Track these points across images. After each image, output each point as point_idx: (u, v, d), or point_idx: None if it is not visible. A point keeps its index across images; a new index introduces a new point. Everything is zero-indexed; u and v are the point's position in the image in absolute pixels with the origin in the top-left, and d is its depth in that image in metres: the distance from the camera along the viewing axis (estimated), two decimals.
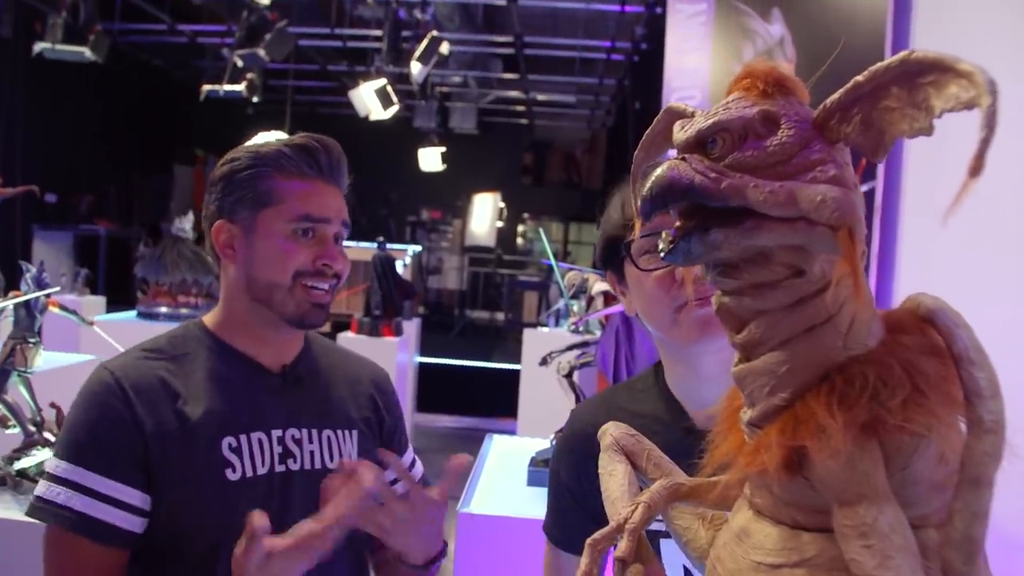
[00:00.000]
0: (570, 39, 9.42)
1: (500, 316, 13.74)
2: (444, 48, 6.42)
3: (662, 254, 0.58)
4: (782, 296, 0.56)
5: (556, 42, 9.62)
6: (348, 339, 5.73)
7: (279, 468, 1.35)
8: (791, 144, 0.55)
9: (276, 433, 1.36)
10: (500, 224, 15.36)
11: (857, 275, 0.53)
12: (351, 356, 1.61)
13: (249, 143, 1.41)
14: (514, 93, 12.54)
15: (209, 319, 1.44)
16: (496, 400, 7.66)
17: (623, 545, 0.67)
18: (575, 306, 4.74)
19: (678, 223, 0.58)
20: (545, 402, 4.53)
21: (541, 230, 2.41)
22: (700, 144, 0.58)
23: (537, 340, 5.46)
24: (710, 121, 0.57)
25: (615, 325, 2.31)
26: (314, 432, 1.41)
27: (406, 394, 6.30)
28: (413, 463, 1.60)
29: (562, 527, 1.32)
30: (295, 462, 1.37)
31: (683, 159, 0.57)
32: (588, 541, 0.68)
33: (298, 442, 1.38)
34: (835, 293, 0.56)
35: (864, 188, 2.60)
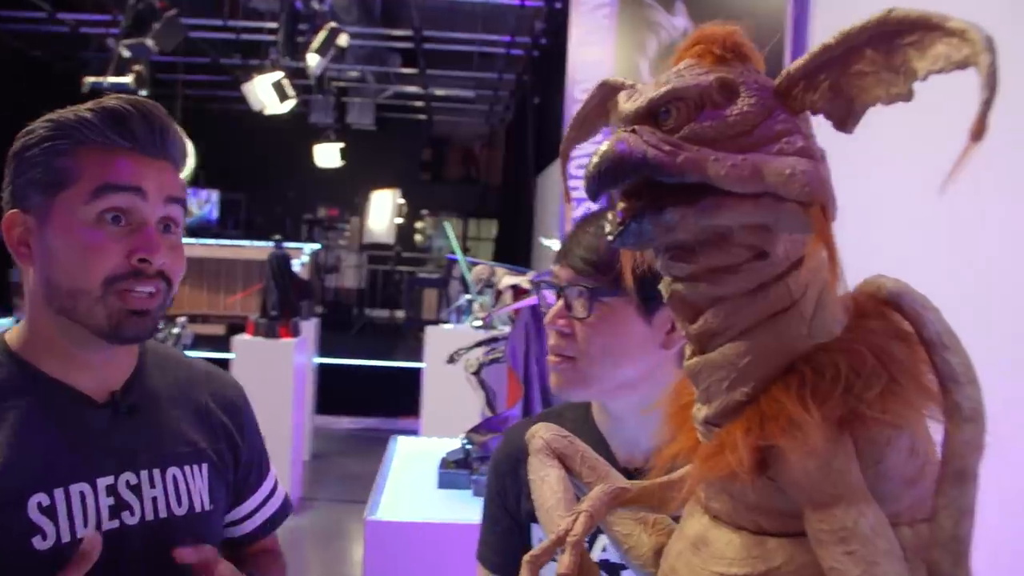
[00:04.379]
0: (469, 33, 9.34)
1: (400, 314, 13.60)
2: (343, 40, 6.26)
3: (610, 237, 0.52)
4: (742, 281, 0.51)
5: (455, 36, 9.53)
6: (244, 341, 5.53)
7: (110, 525, 1.07)
8: (753, 114, 0.50)
9: (105, 482, 1.08)
10: (399, 221, 15.19)
11: (833, 255, 0.48)
12: (197, 369, 1.31)
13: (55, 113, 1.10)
14: (412, 88, 12.39)
15: (12, 336, 1.12)
16: (398, 400, 7.55)
17: (566, 560, 0.61)
18: (478, 302, 4.68)
19: (622, 204, 0.52)
20: (449, 400, 4.46)
21: (447, 223, 2.33)
22: (651, 115, 0.52)
23: (440, 337, 5.37)
24: (663, 89, 0.51)
25: (524, 320, 2.26)
26: (156, 473, 1.13)
27: (304, 396, 6.13)
28: (272, 492, 1.36)
29: (501, 552, 1.28)
30: (132, 515, 1.09)
31: (632, 131, 0.51)
32: (526, 558, 0.62)
33: (135, 489, 1.11)
34: (799, 277, 0.51)
35: None
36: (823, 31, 2.39)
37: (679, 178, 0.49)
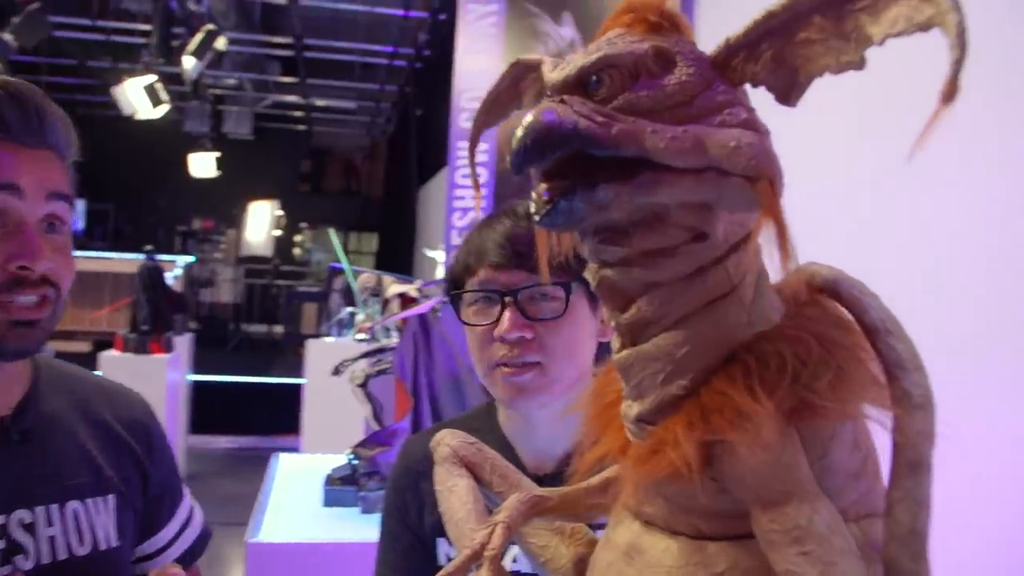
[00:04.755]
0: (352, 43, 9.20)
1: (278, 329, 13.23)
2: (221, 43, 6.04)
3: (537, 217, 0.47)
4: (679, 265, 0.47)
5: (337, 45, 9.36)
6: (112, 358, 5.24)
7: (1, 571, 0.95)
8: (692, 84, 0.46)
9: None
10: (278, 233, 14.81)
11: (784, 232, 0.44)
12: (98, 386, 1.17)
13: None
14: (292, 98, 12.12)
15: None
16: (277, 417, 7.31)
17: (484, 575, 0.56)
18: (362, 314, 4.57)
19: (544, 184, 0.47)
20: (332, 416, 4.33)
21: (331, 231, 2.24)
22: (581, 84, 0.48)
23: (322, 351, 5.23)
24: (594, 56, 0.47)
25: (412, 330, 2.19)
26: (53, 509, 1.00)
27: (178, 415, 5.85)
28: (189, 519, 1.24)
29: (403, 571, 1.21)
30: (26, 558, 0.96)
31: (561, 101, 0.46)
32: None
33: (29, 528, 0.97)
34: (739, 261, 0.47)
35: None
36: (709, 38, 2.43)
37: (613, 151, 0.44)
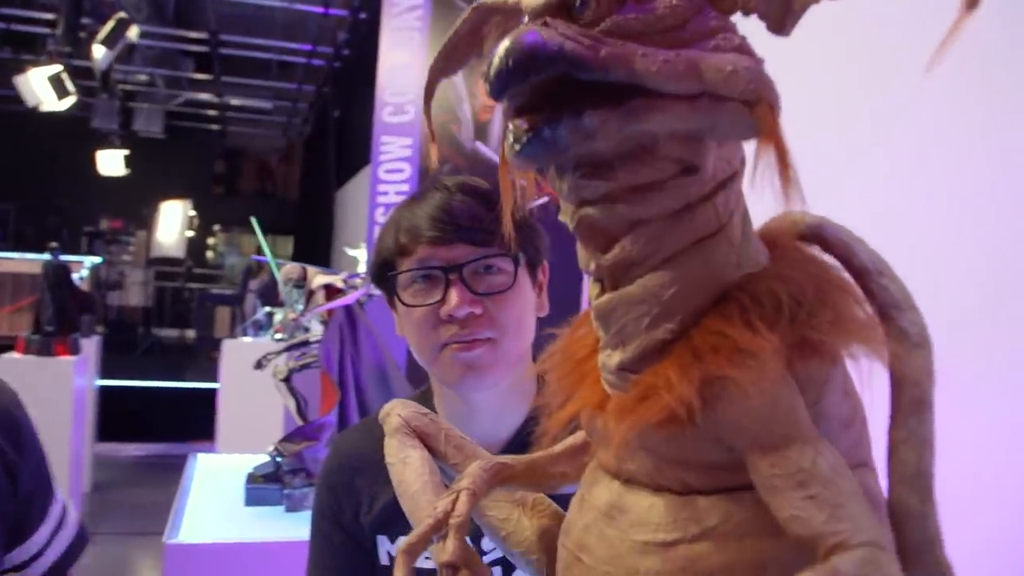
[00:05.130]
0: (268, 40, 9.01)
1: (191, 333, 12.88)
2: (133, 33, 5.83)
3: (516, 147, 0.44)
4: (668, 200, 0.44)
5: (253, 43, 9.16)
6: (13, 361, 4.99)
7: None
8: (683, 8, 0.43)
9: None
10: (191, 234, 14.41)
11: (785, 157, 0.42)
12: None
13: None
14: (206, 96, 11.81)
15: None
16: (190, 422, 7.11)
17: (450, 545, 0.52)
18: (279, 314, 4.46)
19: (517, 120, 0.44)
20: (249, 419, 4.22)
21: (254, 219, 2.17)
22: (564, 8, 0.44)
23: (239, 351, 5.09)
24: None
25: (338, 321, 2.14)
26: None
27: (85, 421, 5.61)
28: (62, 520, 1.14)
29: (333, 571, 1.16)
30: None
31: (544, 24, 0.43)
32: (401, 548, 0.53)
33: None
34: (726, 199, 0.45)
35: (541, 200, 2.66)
36: None
37: (601, 74, 0.41)
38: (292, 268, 2.20)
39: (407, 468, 0.65)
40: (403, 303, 1.09)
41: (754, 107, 0.41)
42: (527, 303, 1.09)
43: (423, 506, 0.59)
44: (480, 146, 3.43)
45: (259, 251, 2.06)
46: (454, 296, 1.03)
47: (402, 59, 3.70)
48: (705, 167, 0.44)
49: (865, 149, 1.42)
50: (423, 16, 3.60)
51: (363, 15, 7.63)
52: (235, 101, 12.17)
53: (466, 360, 1.05)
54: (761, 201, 0.44)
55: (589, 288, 0.50)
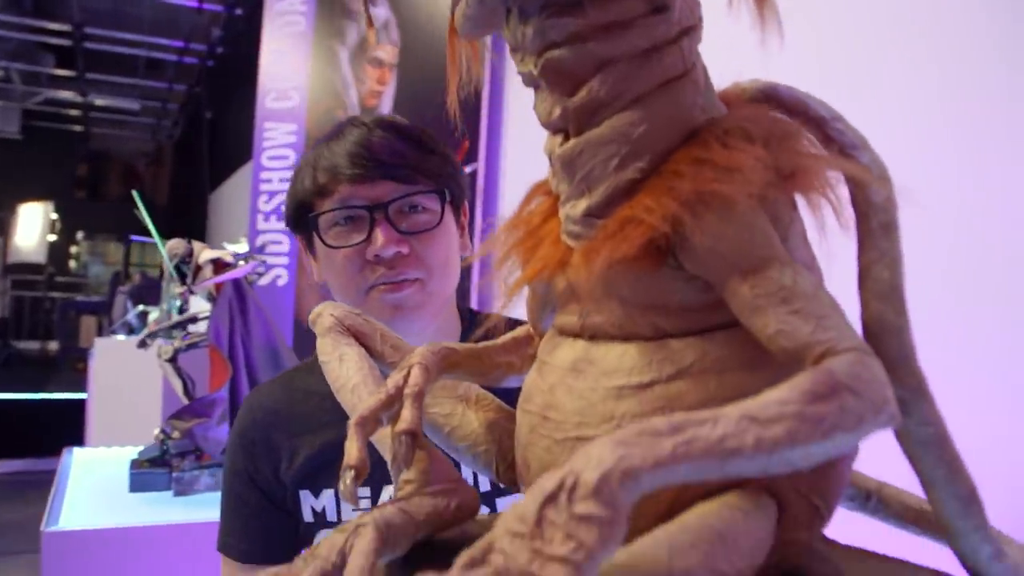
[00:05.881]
0: (136, 35, 8.66)
1: (54, 345, 12.22)
2: None
3: None
4: (636, 39, 0.45)
5: (120, 37, 8.78)
6: None
7: None
8: None
9: None
10: (53, 238, 13.67)
11: None
12: None
13: None
14: (68, 94, 11.25)
15: None
16: (56, 435, 6.72)
17: (407, 414, 0.49)
18: (154, 312, 4.30)
19: None
20: (123, 418, 4.03)
21: (135, 192, 2.06)
22: None
23: (111, 350, 4.85)
24: None
25: (228, 296, 2.07)
26: None
27: None
28: None
29: (253, 537, 1.10)
30: None
31: None
32: (354, 421, 0.49)
33: None
34: (691, 44, 0.46)
35: (468, 169, 2.68)
36: None
37: None
38: (177, 243, 2.11)
39: (344, 364, 0.61)
40: (326, 245, 1.05)
41: None
42: (453, 242, 1.07)
43: (365, 398, 0.55)
44: None
45: (143, 231, 1.97)
46: (380, 236, 1.01)
47: (285, 45, 3.63)
48: (673, 7, 0.45)
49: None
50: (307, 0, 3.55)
51: (239, 10, 7.43)
52: (100, 101, 11.64)
53: (394, 301, 1.02)
54: (737, 27, 0.45)
55: (546, 143, 0.50)
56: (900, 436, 0.42)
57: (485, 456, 0.57)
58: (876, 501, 0.55)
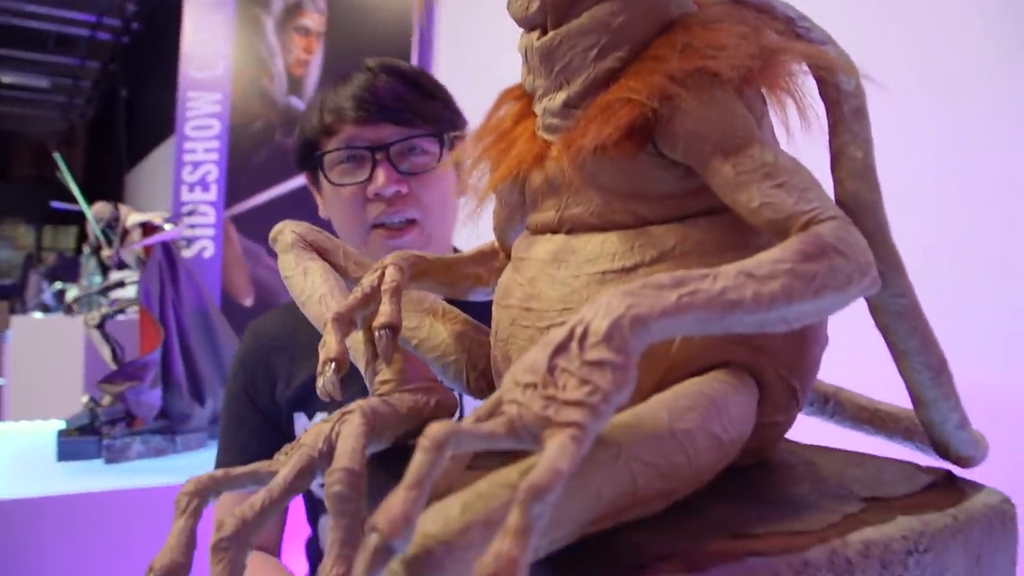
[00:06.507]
0: (45, 8, 8.34)
1: None
2: None
3: None
4: None
5: (27, 10, 8.44)
6: None
7: None
8: None
9: None
10: None
11: None
12: None
13: None
14: None
15: None
16: None
17: (386, 307, 0.49)
18: (73, 290, 4.17)
19: None
20: (44, 396, 3.91)
21: (57, 155, 2.00)
22: None
23: (29, 329, 4.67)
24: None
25: (157, 260, 2.03)
26: None
27: None
28: None
29: (246, 454, 1.14)
30: None
31: None
32: (331, 317, 0.48)
33: None
34: None
35: None
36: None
37: None
38: (103, 207, 2.06)
39: (308, 277, 0.59)
40: (330, 182, 1.11)
41: None
42: (451, 185, 1.12)
43: (333, 306, 0.54)
44: (294, 100, 3.35)
45: (65, 196, 1.91)
46: (381, 175, 1.06)
47: (208, 13, 3.55)
48: None
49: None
50: None
51: None
52: (6, 78, 11.18)
53: (395, 245, 1.07)
54: None
55: (520, 41, 0.50)
56: (875, 308, 0.44)
57: (455, 366, 0.57)
58: (834, 404, 0.57)
